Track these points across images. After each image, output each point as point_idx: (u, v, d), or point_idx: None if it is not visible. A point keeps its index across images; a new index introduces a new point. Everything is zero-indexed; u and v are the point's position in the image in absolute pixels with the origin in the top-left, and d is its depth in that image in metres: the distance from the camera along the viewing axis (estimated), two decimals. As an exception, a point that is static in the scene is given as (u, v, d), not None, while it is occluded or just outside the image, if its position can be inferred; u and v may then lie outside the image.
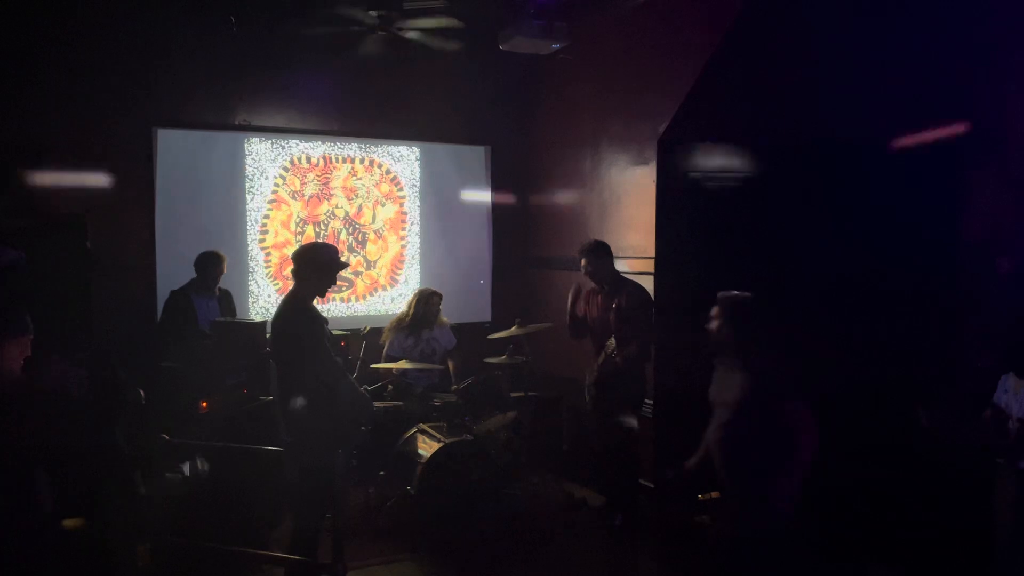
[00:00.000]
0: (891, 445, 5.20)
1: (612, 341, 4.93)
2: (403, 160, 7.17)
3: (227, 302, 5.85)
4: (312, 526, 3.95)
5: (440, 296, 6.06)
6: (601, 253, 5.09)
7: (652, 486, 5.32)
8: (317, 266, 3.88)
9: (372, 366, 5.64)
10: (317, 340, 3.81)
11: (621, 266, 5.29)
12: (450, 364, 5.97)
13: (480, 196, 7.48)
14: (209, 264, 5.60)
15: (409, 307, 5.99)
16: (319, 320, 3.88)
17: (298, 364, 3.81)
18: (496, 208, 7.51)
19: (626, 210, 5.88)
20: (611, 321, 5.00)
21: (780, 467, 3.01)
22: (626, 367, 4.91)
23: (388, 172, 7.12)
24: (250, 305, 6.54)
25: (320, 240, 6.74)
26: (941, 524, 4.46)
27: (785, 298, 5.50)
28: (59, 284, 5.07)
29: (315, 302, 3.93)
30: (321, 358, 3.81)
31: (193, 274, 5.64)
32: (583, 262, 5.10)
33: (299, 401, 3.81)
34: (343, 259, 4.06)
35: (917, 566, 4.36)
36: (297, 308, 3.87)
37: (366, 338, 5.82)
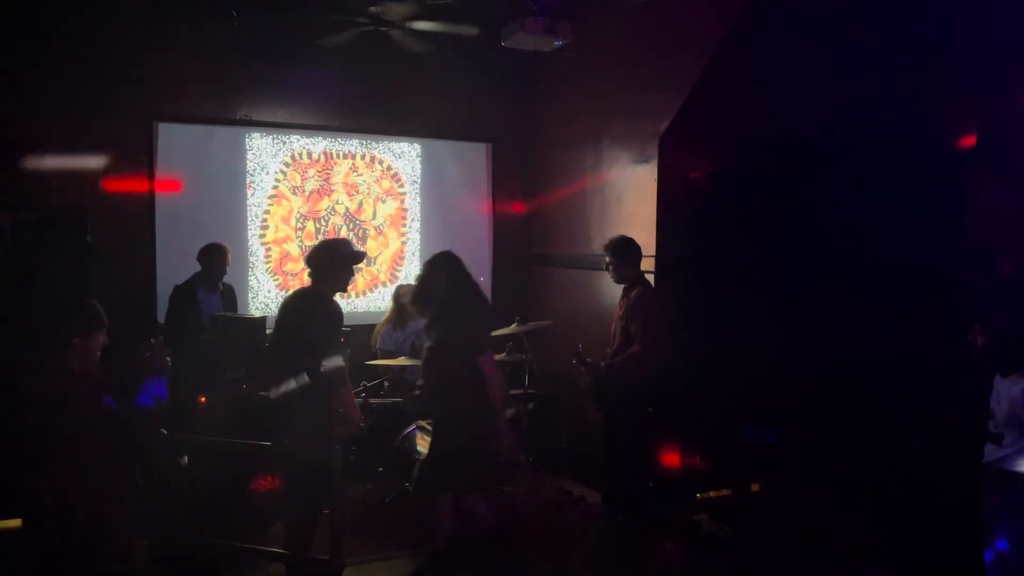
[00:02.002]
0: (885, 446, 5.21)
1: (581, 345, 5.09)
2: (404, 156, 7.16)
3: (230, 297, 5.82)
4: (306, 521, 3.95)
5: (407, 286, 6.12)
6: (622, 252, 5.01)
7: (652, 485, 5.31)
8: (337, 261, 3.91)
9: (367, 363, 5.64)
10: (333, 336, 3.86)
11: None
12: None
13: (481, 193, 7.46)
14: (213, 256, 5.58)
15: (391, 305, 6.19)
16: (339, 317, 3.91)
17: (308, 356, 3.80)
18: (497, 205, 7.50)
19: (627, 208, 5.87)
20: (616, 321, 5.00)
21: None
22: (616, 371, 4.89)
23: (389, 168, 7.11)
24: (250, 300, 6.53)
25: (321, 235, 6.76)
26: (935, 525, 4.46)
27: (785, 296, 5.51)
28: (59, 277, 5.07)
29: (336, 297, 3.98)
30: (332, 355, 3.83)
31: (194, 268, 5.62)
32: (607, 259, 5.06)
33: (296, 385, 3.82)
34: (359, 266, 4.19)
35: (912, 567, 4.36)
36: (318, 301, 3.87)
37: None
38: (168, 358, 3.04)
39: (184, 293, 5.53)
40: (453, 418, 4.03)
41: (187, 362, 5.15)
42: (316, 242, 6.71)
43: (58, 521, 2.63)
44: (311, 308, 3.86)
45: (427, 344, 4.12)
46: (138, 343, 2.94)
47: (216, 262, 5.59)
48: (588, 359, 5.05)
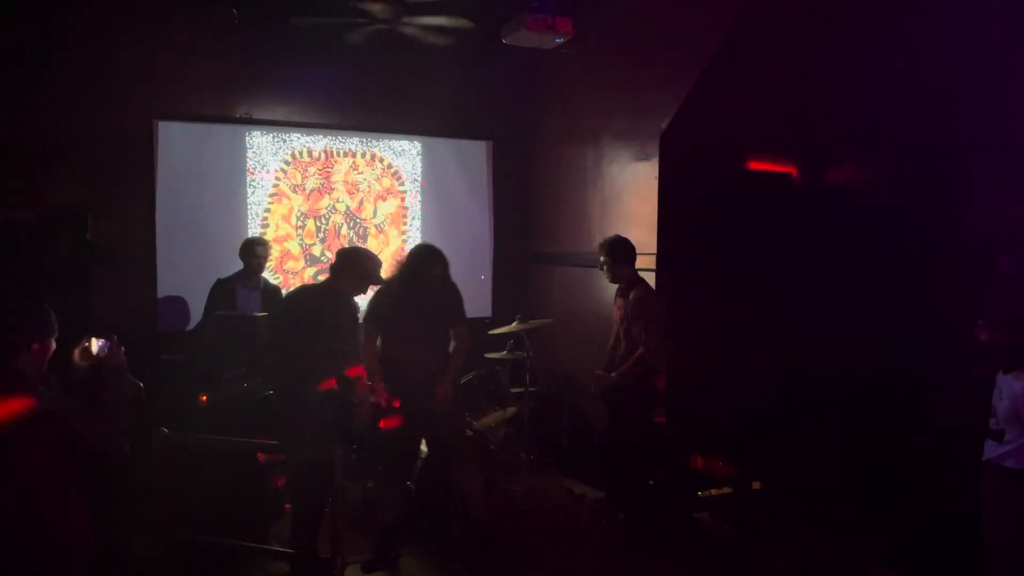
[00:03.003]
0: (885, 444, 5.21)
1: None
2: (405, 154, 7.15)
3: (271, 297, 5.68)
4: (311, 519, 3.95)
5: None
6: (617, 251, 4.92)
7: (653, 483, 5.31)
8: (359, 273, 4.17)
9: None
10: (352, 329, 4.20)
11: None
12: None
13: (481, 191, 7.46)
14: (250, 248, 5.61)
15: None
16: (356, 311, 4.27)
17: (326, 345, 4.02)
18: (497, 203, 7.49)
19: (628, 206, 5.87)
20: (618, 323, 4.96)
21: None
22: (627, 375, 4.85)
23: (390, 166, 7.10)
24: (250, 299, 6.53)
25: (321, 233, 6.77)
26: (935, 522, 4.47)
27: (787, 293, 5.51)
28: (59, 276, 5.07)
29: None
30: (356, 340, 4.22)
31: (194, 269, 5.62)
32: (601, 258, 4.98)
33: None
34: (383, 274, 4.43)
35: (912, 564, 4.37)
36: (341, 296, 4.17)
37: None
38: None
39: (223, 288, 5.53)
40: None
41: (187, 360, 5.16)
42: (316, 241, 6.74)
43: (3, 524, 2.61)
44: (339, 302, 4.18)
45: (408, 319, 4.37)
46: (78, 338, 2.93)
47: (254, 252, 5.59)
48: (600, 373, 5.00)
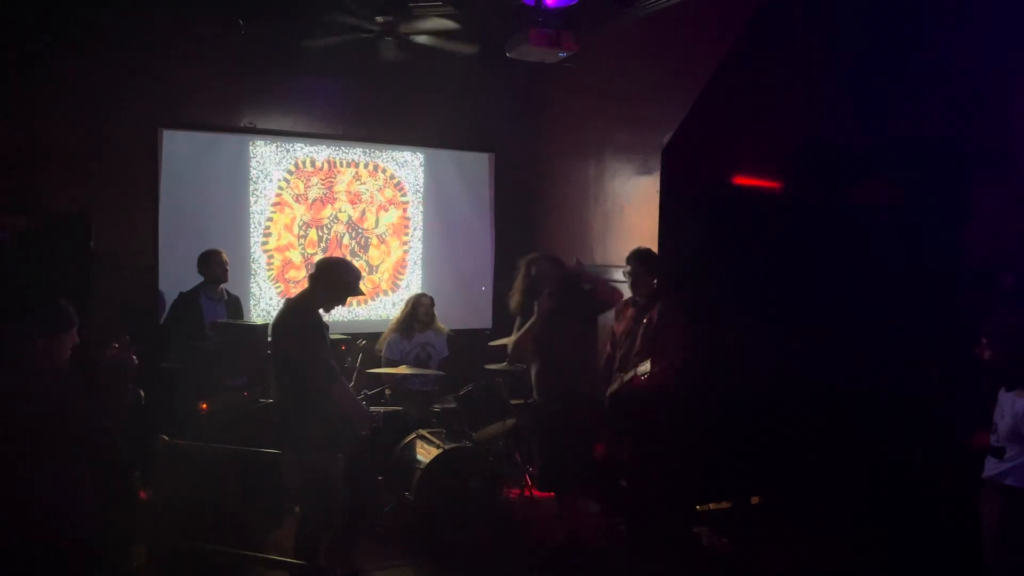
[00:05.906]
0: (885, 460, 5.20)
1: (646, 365, 4.63)
2: (407, 165, 7.18)
3: (235, 308, 5.80)
4: (314, 529, 3.94)
5: (429, 297, 6.22)
6: (650, 263, 4.87)
7: (653, 496, 5.29)
8: (334, 284, 3.94)
9: (370, 371, 5.63)
10: (316, 346, 3.84)
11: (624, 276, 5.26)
12: None
13: (483, 203, 7.48)
14: (208, 259, 5.63)
15: (402, 311, 6.20)
16: (320, 327, 3.91)
17: (295, 367, 3.83)
18: (499, 215, 7.51)
19: (629, 219, 5.88)
20: (639, 336, 4.80)
21: None
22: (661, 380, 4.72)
23: (392, 177, 7.12)
24: (252, 307, 6.53)
25: (323, 243, 6.78)
26: (935, 538, 4.46)
27: (788, 309, 5.51)
28: (59, 282, 5.07)
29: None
30: (317, 364, 3.82)
31: (196, 276, 5.65)
32: (628, 268, 4.90)
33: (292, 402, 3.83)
34: (362, 286, 4.13)
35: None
36: (301, 313, 3.91)
37: (363, 351, 5.71)
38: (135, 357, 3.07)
39: (186, 300, 5.57)
40: None
41: (188, 368, 5.16)
42: (318, 251, 6.75)
43: (13, 513, 2.65)
44: (297, 321, 3.90)
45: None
46: (107, 341, 2.97)
47: (213, 260, 5.63)
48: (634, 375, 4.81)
